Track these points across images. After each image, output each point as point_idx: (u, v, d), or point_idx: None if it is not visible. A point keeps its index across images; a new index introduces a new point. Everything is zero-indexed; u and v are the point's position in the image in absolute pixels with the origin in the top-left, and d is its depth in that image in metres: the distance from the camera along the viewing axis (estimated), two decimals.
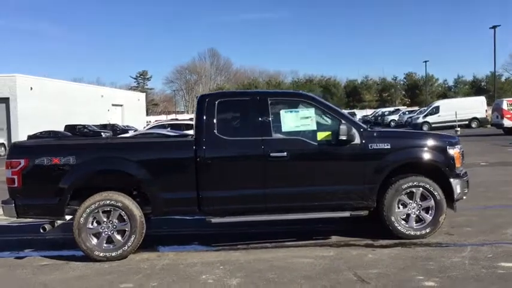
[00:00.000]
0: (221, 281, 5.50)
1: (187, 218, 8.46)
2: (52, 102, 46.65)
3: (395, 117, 58.32)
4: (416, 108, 63.90)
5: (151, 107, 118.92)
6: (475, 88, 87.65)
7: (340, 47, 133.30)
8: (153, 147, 6.78)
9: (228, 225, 7.62)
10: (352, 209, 6.81)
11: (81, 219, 6.37)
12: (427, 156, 6.87)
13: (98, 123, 48.19)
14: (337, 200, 6.73)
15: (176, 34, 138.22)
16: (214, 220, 6.60)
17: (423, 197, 6.84)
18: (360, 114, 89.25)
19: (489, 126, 36.18)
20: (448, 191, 6.91)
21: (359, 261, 5.98)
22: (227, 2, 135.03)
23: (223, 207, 6.67)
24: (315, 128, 6.81)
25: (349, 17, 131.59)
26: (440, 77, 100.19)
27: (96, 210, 6.40)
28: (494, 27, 46.07)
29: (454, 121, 35.42)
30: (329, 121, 6.92)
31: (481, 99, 42.45)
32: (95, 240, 6.43)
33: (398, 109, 67.81)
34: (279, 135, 6.74)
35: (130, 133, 25.97)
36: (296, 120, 6.81)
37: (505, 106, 30.07)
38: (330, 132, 6.74)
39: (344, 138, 6.53)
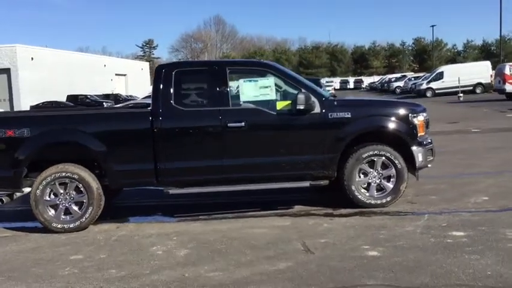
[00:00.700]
0: (170, 252, 5.51)
1: (160, 188, 8.45)
2: (54, 73, 46.66)
3: (401, 83, 57.69)
4: (423, 74, 63.25)
5: None
6: (484, 53, 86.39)
7: (348, 12, 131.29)
8: (108, 119, 6.73)
9: (195, 196, 7.62)
10: (313, 178, 6.75)
11: (38, 191, 6.38)
12: (387, 125, 6.76)
13: (101, 93, 48.25)
14: (297, 170, 6.67)
15: (182, 1, 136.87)
16: (172, 191, 6.59)
17: (384, 166, 6.77)
18: (367, 81, 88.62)
19: (493, 91, 35.70)
20: (410, 159, 6.81)
21: (312, 231, 5.95)
22: None
23: (181, 179, 6.64)
24: (274, 97, 6.72)
25: None
26: (449, 42, 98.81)
27: (52, 183, 6.40)
28: None
29: (458, 87, 34.96)
30: (289, 90, 6.81)
31: (486, 64, 41.76)
32: (52, 212, 6.46)
33: (404, 75, 67.02)
34: (237, 105, 6.65)
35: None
36: (255, 90, 6.71)
37: (507, 71, 29.53)
38: (289, 102, 6.63)
39: (301, 107, 6.43)
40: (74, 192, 6.47)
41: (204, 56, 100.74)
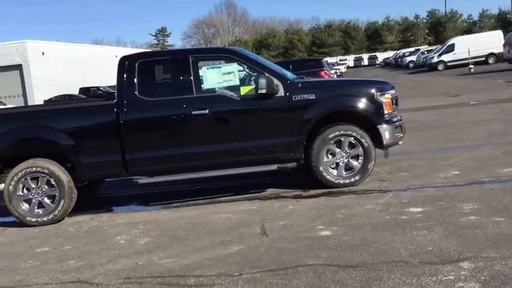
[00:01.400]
0: (132, 241, 5.64)
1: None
2: (65, 66, 47.10)
3: (414, 58, 56.92)
4: (436, 47, 62.25)
5: None
6: (501, 22, 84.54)
7: None
8: (74, 113, 6.85)
9: (172, 184, 7.76)
10: (281, 161, 6.80)
11: (10, 187, 6.55)
12: (352, 104, 6.77)
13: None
14: (264, 154, 6.73)
15: None
16: (141, 181, 6.71)
17: (352, 145, 6.78)
18: (382, 57, 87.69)
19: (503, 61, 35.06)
20: (378, 137, 6.82)
21: (275, 214, 6.02)
22: None
23: (150, 168, 6.75)
24: (237, 83, 6.76)
25: None
26: (464, 13, 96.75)
27: (24, 178, 6.56)
28: None
29: (469, 58, 34.39)
30: (253, 75, 6.84)
31: (498, 34, 40.93)
32: (26, 206, 6.63)
33: (418, 49, 66.11)
34: (200, 93, 6.71)
35: None
36: (218, 77, 6.76)
37: None
38: (252, 87, 6.67)
39: (263, 91, 6.46)
40: (46, 186, 6.63)
41: (217, 41, 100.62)
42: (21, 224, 6.70)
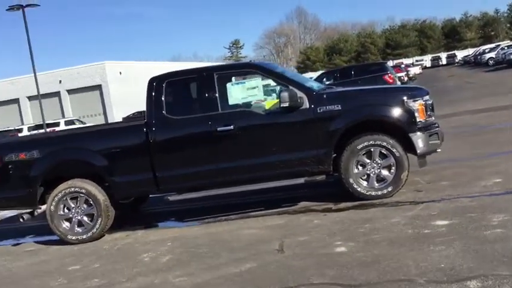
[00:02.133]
0: (155, 258, 5.76)
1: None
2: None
3: (493, 54, 54.17)
4: None
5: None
6: None
7: None
8: (107, 134, 7.12)
9: (209, 199, 7.86)
10: (310, 174, 6.71)
11: (52, 207, 6.89)
12: (379, 113, 6.57)
13: None
14: (292, 168, 6.66)
15: None
16: (172, 198, 6.85)
17: (383, 155, 6.57)
18: (460, 55, 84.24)
19: None
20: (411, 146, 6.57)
21: (299, 229, 5.94)
22: None
23: (179, 185, 6.87)
24: (262, 97, 6.76)
25: None
26: None
27: (64, 198, 6.88)
28: None
29: None
30: (277, 88, 6.81)
31: None
32: (67, 225, 6.94)
33: (498, 45, 62.87)
34: (225, 109, 6.76)
35: None
36: (243, 92, 6.80)
37: None
38: (277, 101, 6.64)
39: (285, 105, 6.41)
40: (85, 205, 6.92)
41: (288, 50, 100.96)
42: (62, 242, 7.00)
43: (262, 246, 5.49)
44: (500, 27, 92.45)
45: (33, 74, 31.78)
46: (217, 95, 6.74)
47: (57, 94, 48.35)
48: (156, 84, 6.89)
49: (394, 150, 6.49)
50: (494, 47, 60.98)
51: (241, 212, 7.14)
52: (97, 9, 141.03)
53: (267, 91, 7.10)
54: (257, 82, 6.77)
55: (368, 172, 6.60)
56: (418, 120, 6.58)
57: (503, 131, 10.37)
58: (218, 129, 6.60)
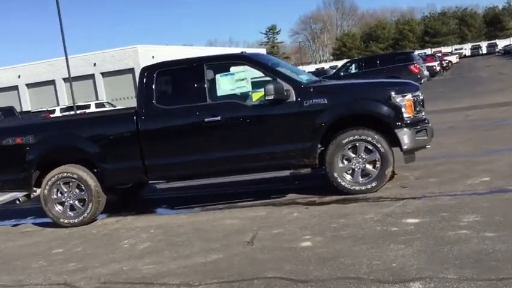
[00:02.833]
0: (134, 245, 5.89)
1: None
2: None
3: None
4: None
5: (284, 60, 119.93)
6: None
7: None
8: (98, 122, 7.28)
9: (207, 187, 8.03)
10: (295, 167, 6.74)
11: (45, 190, 7.12)
12: (365, 108, 6.54)
13: None
14: (278, 160, 6.69)
15: None
16: (160, 186, 6.98)
17: (368, 150, 6.54)
18: (502, 44, 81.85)
19: None
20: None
21: (277, 221, 5.99)
22: None
23: (168, 174, 7.01)
24: (250, 89, 6.79)
25: None
26: None
27: (57, 182, 7.10)
28: None
29: None
30: (267, 80, 6.83)
31: None
32: (60, 208, 7.16)
33: None
34: (214, 100, 6.83)
35: None
36: (231, 83, 6.84)
37: None
38: (264, 93, 6.66)
39: (270, 97, 6.44)
40: (77, 190, 7.12)
41: (324, 36, 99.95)
42: (57, 225, 7.23)
43: (236, 238, 5.57)
44: None
45: (71, 56, 32.57)
46: (206, 85, 6.81)
47: (91, 77, 49.27)
48: (147, 74, 7.00)
49: (379, 146, 6.45)
50: None
51: (229, 202, 7.21)
52: None
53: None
54: (246, 74, 6.81)
55: (353, 167, 6.59)
56: (405, 115, 6.52)
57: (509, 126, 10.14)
58: (205, 120, 6.68)
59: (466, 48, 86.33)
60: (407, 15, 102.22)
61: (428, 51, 75.12)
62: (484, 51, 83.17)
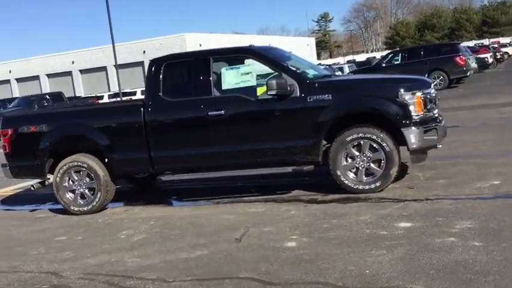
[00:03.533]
0: (130, 237, 5.97)
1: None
2: None
3: None
4: None
5: (335, 49, 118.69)
6: None
7: None
8: (107, 113, 7.38)
9: (219, 180, 8.06)
10: (299, 163, 6.64)
11: (57, 178, 7.31)
12: (369, 106, 6.35)
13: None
14: (281, 156, 6.61)
15: None
16: (164, 178, 7.03)
17: (374, 149, 6.35)
18: None
19: None
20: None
21: (272, 218, 5.93)
22: None
23: (172, 166, 7.06)
24: (254, 83, 6.71)
25: None
26: None
27: (68, 171, 7.27)
28: None
29: None
30: (271, 75, 6.73)
31: None
32: (71, 196, 7.33)
33: None
34: (218, 94, 6.80)
35: None
36: (236, 77, 6.79)
37: None
38: (266, 88, 6.57)
39: (272, 93, 6.34)
40: (87, 179, 7.27)
41: (377, 24, 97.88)
42: (68, 212, 7.42)
43: (227, 234, 5.55)
44: None
45: (121, 43, 33.27)
46: (211, 79, 6.78)
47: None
48: (155, 66, 7.03)
49: (384, 145, 6.26)
50: None
51: (236, 196, 7.19)
52: None
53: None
54: (251, 68, 6.73)
55: (357, 165, 6.42)
56: (414, 114, 6.28)
57: None
58: (209, 113, 6.66)
59: None
60: (465, 4, 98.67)
61: (486, 41, 72.34)
62: None
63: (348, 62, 43.84)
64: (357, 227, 5.22)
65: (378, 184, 6.35)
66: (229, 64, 6.92)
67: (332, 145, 6.43)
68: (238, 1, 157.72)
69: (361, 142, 6.35)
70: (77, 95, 47.44)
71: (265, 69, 6.81)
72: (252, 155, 6.67)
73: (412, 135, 6.24)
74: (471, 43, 24.02)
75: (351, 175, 6.45)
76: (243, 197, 7.15)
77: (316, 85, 6.52)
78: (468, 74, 22.21)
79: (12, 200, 9.13)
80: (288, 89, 6.38)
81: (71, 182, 7.34)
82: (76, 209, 7.31)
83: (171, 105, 6.90)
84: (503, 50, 51.18)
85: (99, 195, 7.21)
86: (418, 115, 6.31)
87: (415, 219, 5.20)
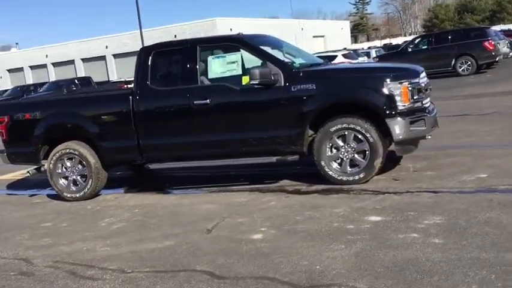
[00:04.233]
0: (111, 225, 6.03)
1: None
2: None
3: None
4: None
5: (373, 32, 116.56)
6: None
7: None
8: (97, 101, 7.44)
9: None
10: (284, 154, 6.57)
11: (51, 165, 7.44)
12: (352, 96, 6.22)
13: None
14: (265, 146, 6.55)
15: None
16: (152, 166, 7.08)
17: (358, 140, 6.23)
18: None
19: None
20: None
21: (250, 209, 5.89)
22: None
23: (160, 154, 7.08)
24: (240, 72, 6.65)
25: None
26: None
27: (61, 157, 7.39)
28: None
29: None
30: (257, 64, 6.65)
31: None
32: (64, 182, 7.46)
33: None
34: (204, 83, 6.76)
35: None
36: (222, 66, 6.73)
37: None
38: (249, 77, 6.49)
39: (255, 82, 6.27)
40: (80, 166, 7.37)
41: (415, 7, 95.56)
42: (61, 198, 7.55)
43: (201, 224, 5.54)
44: None
45: (151, 28, 33.38)
46: (197, 67, 6.75)
47: None
48: (144, 54, 7.05)
49: (368, 135, 6.12)
50: None
51: (225, 185, 7.17)
52: None
53: None
54: (237, 57, 6.66)
55: (341, 156, 6.31)
56: (399, 104, 6.11)
57: None
58: (195, 102, 6.64)
59: None
60: None
61: None
62: None
63: (375, 47, 42.99)
64: (327, 219, 5.13)
65: (361, 175, 6.22)
66: (217, 53, 6.85)
67: (317, 135, 6.33)
68: None
69: (346, 133, 6.22)
70: (111, 79, 48.11)
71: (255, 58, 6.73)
72: (236, 145, 6.63)
73: (397, 126, 6.07)
74: (492, 28, 23.00)
75: (335, 166, 6.34)
76: (233, 185, 7.12)
77: (301, 74, 6.40)
78: (497, 59, 21.48)
79: (17, 185, 9.35)
80: (272, 78, 6.29)
81: (64, 169, 7.45)
82: (69, 195, 7.44)
83: (158, 94, 6.91)
84: None
85: (90, 182, 7.31)
86: (404, 105, 6.14)
87: (387, 213, 5.08)
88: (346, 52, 26.42)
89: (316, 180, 6.59)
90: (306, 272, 3.93)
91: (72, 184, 7.46)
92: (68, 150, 7.35)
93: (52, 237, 5.78)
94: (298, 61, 7.01)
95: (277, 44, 7.39)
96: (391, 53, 27.64)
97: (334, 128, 6.22)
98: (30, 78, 57.37)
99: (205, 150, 6.80)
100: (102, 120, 7.15)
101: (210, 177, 7.99)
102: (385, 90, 6.08)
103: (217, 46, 7.06)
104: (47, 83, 31.85)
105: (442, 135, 8.43)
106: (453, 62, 21.19)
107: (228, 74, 6.68)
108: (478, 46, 20.84)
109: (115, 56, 54.56)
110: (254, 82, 6.25)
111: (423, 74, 6.61)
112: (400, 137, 6.11)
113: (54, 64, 58.62)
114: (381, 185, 6.13)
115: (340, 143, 6.28)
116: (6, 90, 31.18)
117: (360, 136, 6.17)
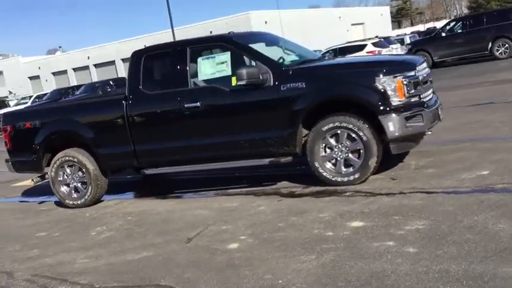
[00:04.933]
0: (99, 234, 5.96)
1: None
2: (288, 31, 48.98)
3: None
4: None
5: (417, 16, 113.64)
6: None
7: None
8: (92, 108, 7.40)
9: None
10: (276, 155, 6.35)
11: (52, 172, 7.48)
12: (343, 93, 5.93)
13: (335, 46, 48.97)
14: (257, 148, 6.35)
15: None
16: (148, 172, 6.99)
17: (352, 139, 5.94)
18: None
19: None
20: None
21: (238, 215, 5.70)
22: None
23: (155, 159, 6.97)
24: (230, 73, 6.46)
25: None
26: None
27: (62, 165, 7.42)
28: None
29: None
30: (246, 64, 6.46)
31: None
32: (66, 189, 7.48)
33: None
34: (195, 85, 6.62)
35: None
36: (212, 67, 6.57)
37: None
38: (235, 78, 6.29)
39: (242, 83, 6.07)
40: (80, 173, 7.38)
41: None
42: (65, 205, 7.58)
43: (185, 232, 5.40)
44: None
45: (187, 25, 33.34)
46: (187, 69, 6.60)
47: None
48: (135, 58, 6.95)
49: (361, 134, 5.83)
50: None
51: (222, 188, 7.02)
52: None
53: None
54: (226, 57, 6.47)
55: (335, 156, 6.03)
56: (394, 100, 5.79)
57: None
58: (185, 105, 6.50)
59: None
60: None
61: None
62: None
63: (418, 32, 41.71)
64: (309, 226, 4.90)
65: (356, 176, 5.94)
66: (207, 54, 6.68)
67: (309, 135, 6.08)
68: None
69: (338, 132, 5.94)
70: None
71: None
72: (228, 148, 6.46)
73: (391, 123, 5.75)
74: None
75: (330, 166, 6.07)
76: (231, 188, 6.96)
77: (291, 72, 6.15)
78: None
79: (31, 192, 9.46)
80: (260, 77, 6.07)
81: (65, 176, 7.47)
82: (71, 202, 7.46)
83: (150, 98, 6.80)
84: None
85: (90, 189, 7.30)
86: (400, 100, 5.81)
87: (371, 217, 4.80)
88: (377, 40, 25.59)
89: (313, 181, 6.34)
90: (267, 287, 3.72)
91: (73, 191, 7.47)
92: (67, 158, 7.36)
93: (41, 249, 5.77)
94: (290, 58, 6.76)
95: (273, 41, 7.15)
96: (425, 38, 26.69)
97: (326, 127, 5.95)
98: (74, 80, 58.77)
99: (199, 154, 6.65)
100: (97, 127, 7.11)
101: (215, 179, 7.81)
102: (378, 86, 5.77)
103: (207, 47, 6.90)
104: (83, 85, 32.44)
105: (455, 127, 8.05)
106: (490, 45, 20.26)
107: (218, 75, 6.50)
108: None
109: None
110: (241, 83, 6.05)
111: (422, 66, 6.25)
112: (396, 134, 5.78)
113: (96, 65, 59.82)
114: (376, 185, 5.83)
115: (334, 142, 6.01)
116: (45, 94, 31.95)
117: (353, 135, 5.89)
